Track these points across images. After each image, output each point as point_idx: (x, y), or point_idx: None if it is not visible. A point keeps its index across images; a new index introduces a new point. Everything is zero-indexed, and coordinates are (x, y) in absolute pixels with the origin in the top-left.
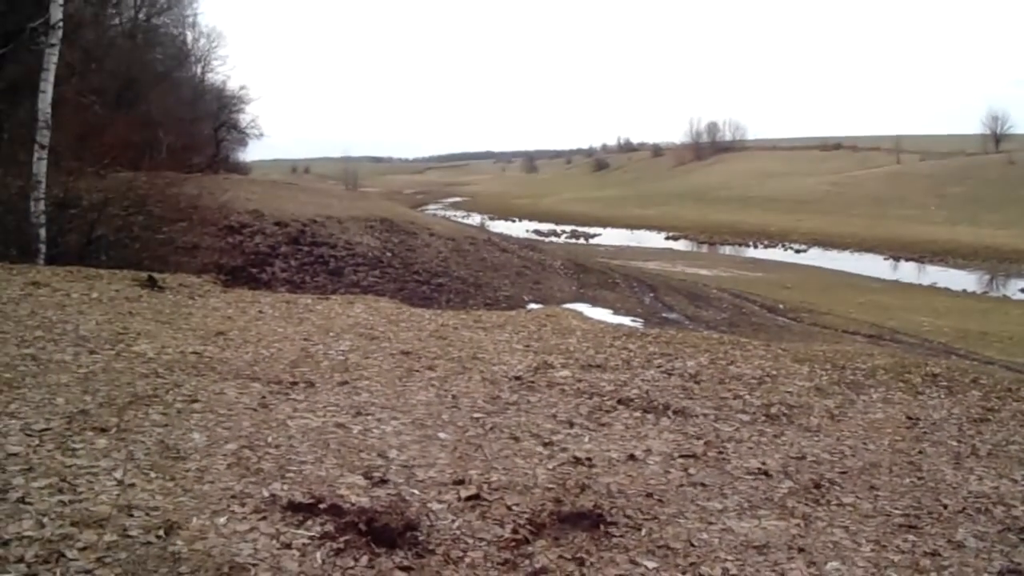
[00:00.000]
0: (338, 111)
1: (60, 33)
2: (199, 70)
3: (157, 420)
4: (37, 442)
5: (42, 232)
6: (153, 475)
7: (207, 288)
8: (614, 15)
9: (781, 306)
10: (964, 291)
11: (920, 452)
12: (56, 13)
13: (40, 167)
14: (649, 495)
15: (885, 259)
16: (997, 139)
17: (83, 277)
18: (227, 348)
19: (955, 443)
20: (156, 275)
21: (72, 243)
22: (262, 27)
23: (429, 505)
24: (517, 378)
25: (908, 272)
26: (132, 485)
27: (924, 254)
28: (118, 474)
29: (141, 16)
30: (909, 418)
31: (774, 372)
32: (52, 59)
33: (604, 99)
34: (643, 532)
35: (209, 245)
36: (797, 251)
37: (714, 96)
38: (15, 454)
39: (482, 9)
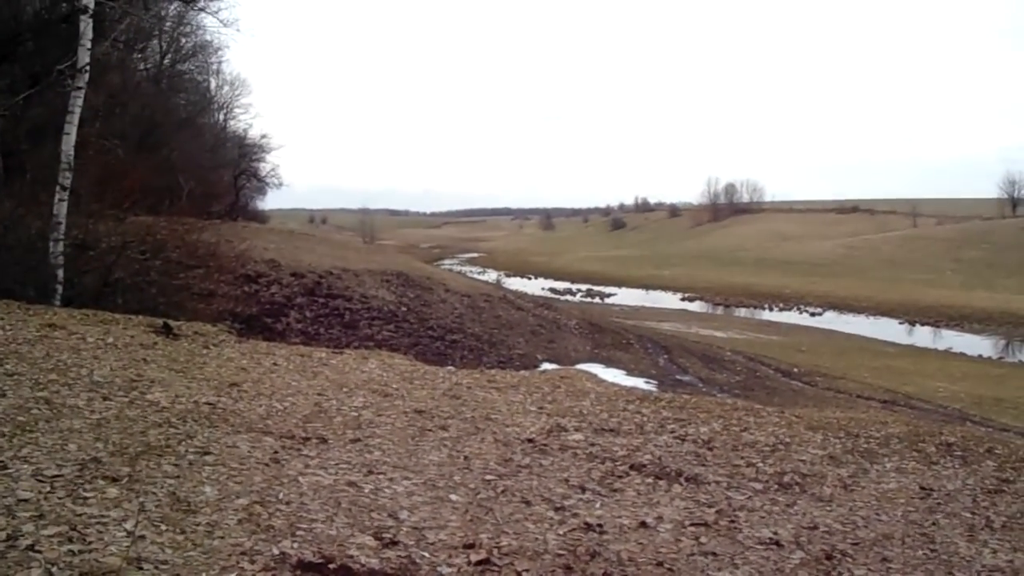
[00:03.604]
0: (357, 162)
1: (86, 76)
2: (221, 117)
3: (169, 471)
4: (48, 489)
5: (60, 273)
6: (163, 528)
7: (222, 337)
8: (633, 76)
9: (795, 370)
10: (980, 356)
11: (933, 524)
12: (83, 57)
13: (61, 208)
14: (659, 564)
15: (900, 323)
16: (1014, 203)
17: (99, 321)
18: (240, 400)
19: (969, 515)
20: (171, 322)
21: (89, 285)
22: (284, 75)
23: (439, 569)
24: (530, 440)
25: (923, 337)
26: (142, 537)
27: (940, 318)
28: (128, 525)
29: (166, 62)
30: (923, 488)
31: (788, 440)
32: (77, 102)
33: (622, 158)
34: None
35: (225, 293)
36: (812, 314)
37: (732, 156)
38: (26, 500)
39: (500, 70)
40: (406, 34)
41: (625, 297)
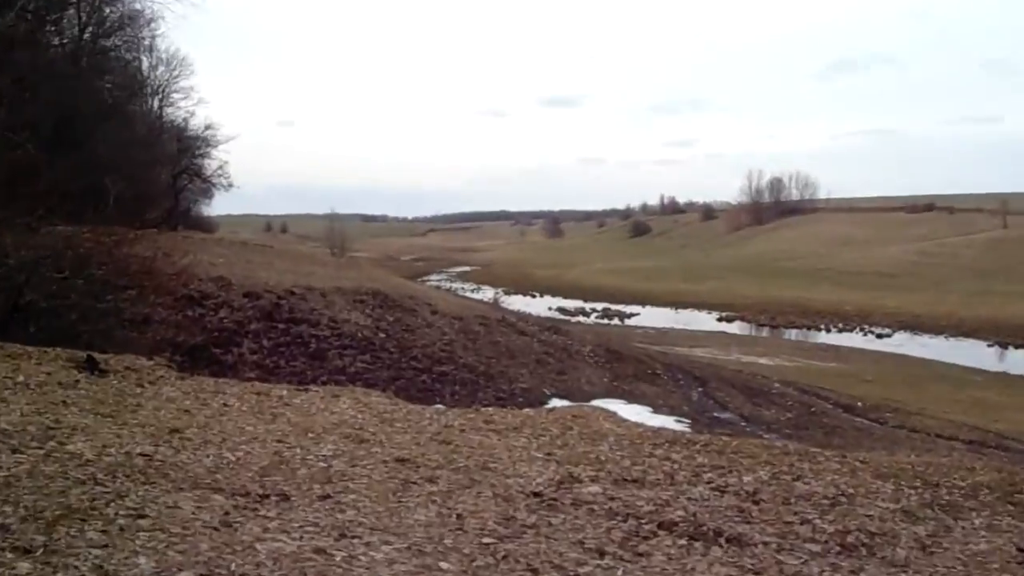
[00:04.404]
0: (324, 158)
1: None
2: (156, 104)
3: (94, 539)
4: None
5: None
6: None
7: (160, 373)
8: (652, 56)
9: (860, 404)
10: None
11: None
12: None
13: None
14: None
15: (989, 346)
16: None
17: (6, 355)
18: (183, 450)
19: None
20: (97, 355)
21: None
22: (235, 52)
23: None
24: (536, 494)
25: (1018, 362)
26: None
27: None
28: None
29: (87, 36)
30: (1020, 550)
31: (851, 491)
32: None
33: (644, 149)
34: None
35: (163, 319)
36: (879, 336)
37: (778, 145)
38: None
39: (496, 48)
40: (384, 6)
41: (650, 317)
